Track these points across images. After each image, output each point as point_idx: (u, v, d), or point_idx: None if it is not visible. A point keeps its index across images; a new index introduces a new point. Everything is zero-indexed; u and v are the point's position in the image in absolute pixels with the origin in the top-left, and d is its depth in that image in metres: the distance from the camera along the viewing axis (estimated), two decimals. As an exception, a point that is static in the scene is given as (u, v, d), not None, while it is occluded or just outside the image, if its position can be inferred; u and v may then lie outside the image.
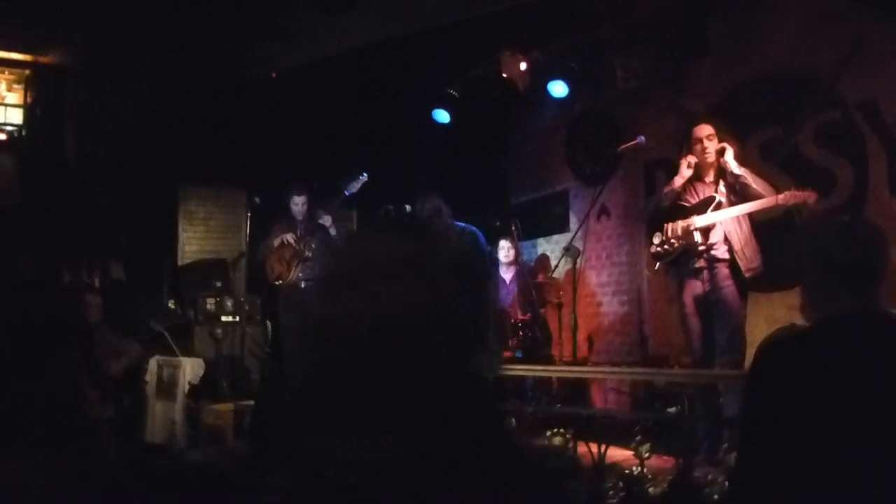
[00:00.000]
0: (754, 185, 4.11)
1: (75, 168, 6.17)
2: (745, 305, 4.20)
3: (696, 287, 4.24)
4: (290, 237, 5.67)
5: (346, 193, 5.60)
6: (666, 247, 4.32)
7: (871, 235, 1.76)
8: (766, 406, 1.70)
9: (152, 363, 5.42)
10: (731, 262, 4.15)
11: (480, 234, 5.53)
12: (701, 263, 4.21)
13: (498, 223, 6.40)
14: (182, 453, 4.57)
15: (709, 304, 4.20)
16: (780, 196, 4.03)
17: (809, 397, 1.60)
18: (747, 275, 4.10)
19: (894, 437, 1.52)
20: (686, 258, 4.26)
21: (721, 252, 4.18)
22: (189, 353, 5.74)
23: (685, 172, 4.35)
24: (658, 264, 4.46)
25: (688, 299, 4.28)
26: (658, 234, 4.40)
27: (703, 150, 4.27)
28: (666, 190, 4.50)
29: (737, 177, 4.16)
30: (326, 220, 5.62)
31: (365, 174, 5.55)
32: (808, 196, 3.94)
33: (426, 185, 5.59)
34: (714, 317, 4.19)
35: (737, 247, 4.12)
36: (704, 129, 4.31)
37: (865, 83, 4.69)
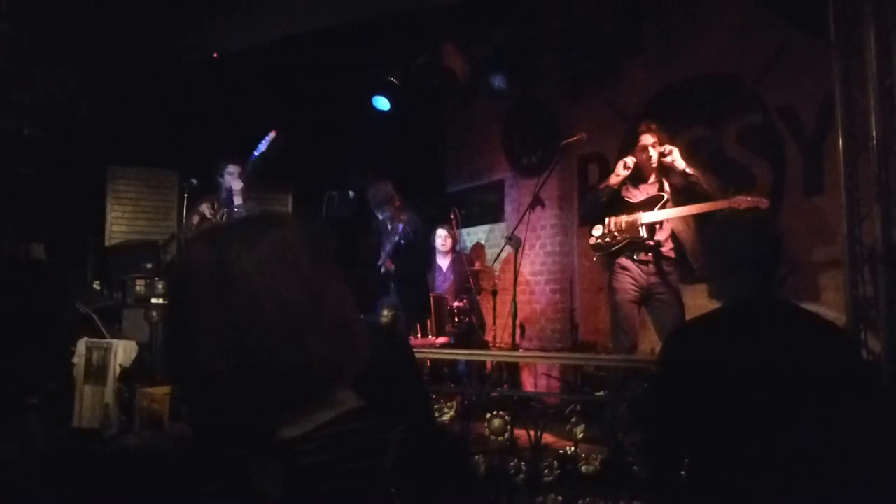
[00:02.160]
0: (704, 185, 4.30)
1: (-4, 143, 5.88)
2: (682, 294, 4.39)
3: (639, 277, 4.41)
4: (205, 208, 5.47)
5: (256, 153, 5.43)
6: (608, 239, 4.49)
7: (770, 230, 1.96)
8: (675, 386, 1.87)
9: (80, 346, 5.26)
10: (677, 261, 4.34)
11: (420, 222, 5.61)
12: (647, 256, 4.39)
13: (434, 211, 6.50)
14: (116, 437, 4.47)
15: (651, 296, 4.38)
16: (733, 200, 4.22)
17: (714, 376, 1.78)
18: (700, 273, 4.26)
19: (793, 407, 1.71)
20: (631, 250, 4.43)
21: (667, 249, 4.37)
22: (118, 335, 5.60)
23: (621, 171, 4.52)
24: (597, 255, 4.62)
25: (626, 286, 4.43)
26: (599, 226, 4.56)
27: (648, 157, 4.46)
28: (601, 187, 4.69)
29: (687, 175, 4.34)
30: (236, 185, 5.40)
31: (273, 132, 5.37)
32: (760, 202, 4.12)
33: (373, 172, 5.58)
34: (658, 311, 4.37)
35: (687, 246, 4.30)
36: (649, 138, 4.49)
37: (786, 88, 5.00)
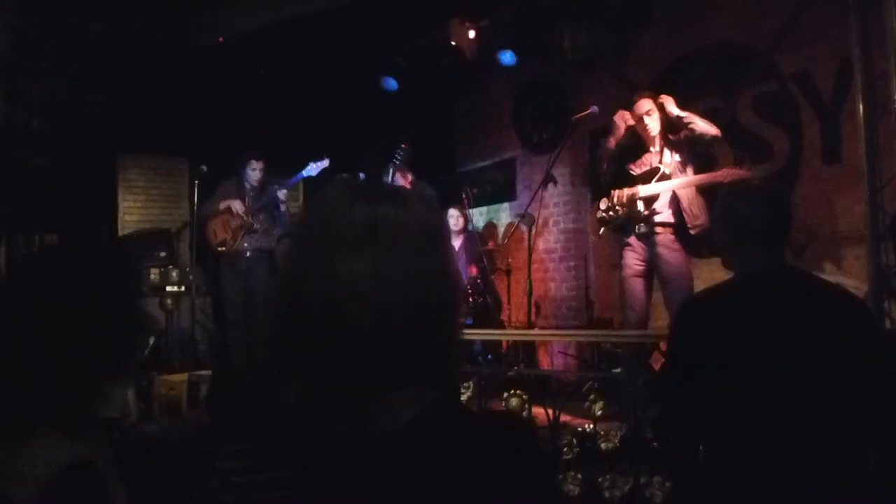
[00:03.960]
0: (700, 124, 4.15)
1: (7, 136, 5.89)
2: (691, 268, 4.26)
3: (640, 251, 4.29)
4: (238, 206, 5.53)
5: (304, 174, 5.49)
6: (611, 213, 4.37)
7: (779, 198, 1.90)
8: (688, 357, 1.83)
9: (97, 335, 5.29)
10: (677, 227, 4.20)
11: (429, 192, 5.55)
12: (646, 229, 4.26)
13: (446, 191, 6.45)
14: (136, 425, 4.49)
15: (654, 267, 4.26)
16: (720, 173, 4.12)
17: (727, 345, 1.74)
18: (693, 231, 4.14)
19: (807, 374, 1.67)
20: (631, 224, 4.32)
21: (666, 216, 4.23)
22: (134, 324, 5.63)
23: (619, 131, 4.39)
24: (602, 229, 4.51)
25: (631, 262, 4.33)
26: (605, 199, 4.43)
27: (645, 126, 4.30)
28: (599, 154, 4.55)
29: (681, 119, 4.19)
30: (282, 195, 5.50)
31: (327, 160, 5.44)
32: (745, 175, 4.04)
33: (383, 154, 5.53)
34: (662, 282, 4.25)
35: (684, 203, 4.16)
36: (644, 105, 4.31)
37: (801, 55, 4.90)
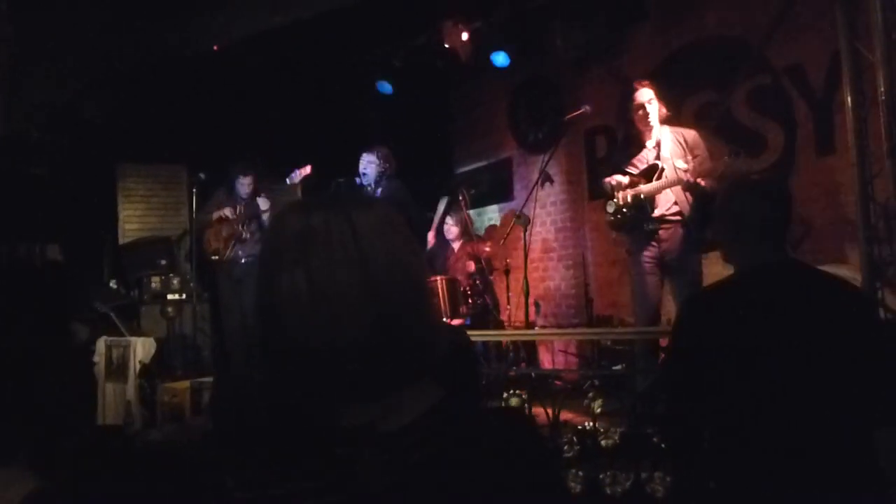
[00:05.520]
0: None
1: (6, 146, 5.92)
2: (700, 264, 4.25)
3: (652, 249, 4.28)
4: (228, 212, 5.58)
5: (287, 182, 5.52)
6: (618, 216, 4.37)
7: (778, 192, 1.92)
8: (691, 353, 1.85)
9: (100, 344, 5.34)
10: (682, 223, 4.20)
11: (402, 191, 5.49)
12: (654, 226, 4.26)
13: (444, 193, 6.47)
14: (139, 433, 4.53)
15: (665, 264, 4.26)
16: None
17: (729, 340, 1.76)
18: (696, 235, 4.15)
19: (811, 365, 1.68)
20: (640, 223, 4.31)
21: (673, 213, 4.23)
22: (136, 332, 5.67)
23: (623, 180, 4.39)
24: (615, 234, 4.51)
25: (643, 260, 4.31)
26: (611, 203, 4.42)
27: (646, 115, 4.28)
28: (611, 182, 4.50)
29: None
30: (264, 205, 5.54)
31: (309, 167, 5.46)
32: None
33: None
34: (672, 278, 4.26)
35: (683, 208, 4.19)
36: (645, 94, 4.30)
37: (793, 48, 4.91)
